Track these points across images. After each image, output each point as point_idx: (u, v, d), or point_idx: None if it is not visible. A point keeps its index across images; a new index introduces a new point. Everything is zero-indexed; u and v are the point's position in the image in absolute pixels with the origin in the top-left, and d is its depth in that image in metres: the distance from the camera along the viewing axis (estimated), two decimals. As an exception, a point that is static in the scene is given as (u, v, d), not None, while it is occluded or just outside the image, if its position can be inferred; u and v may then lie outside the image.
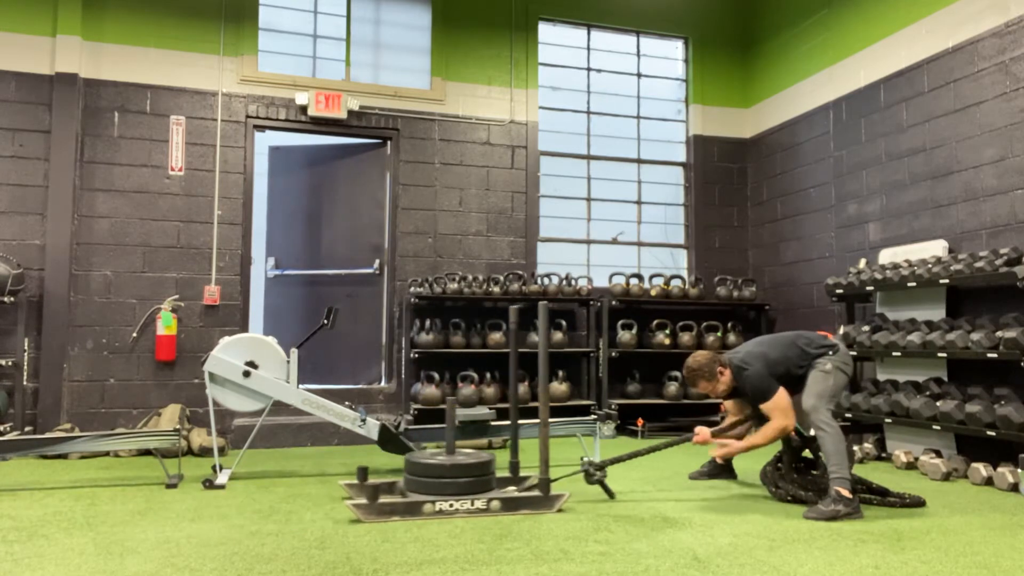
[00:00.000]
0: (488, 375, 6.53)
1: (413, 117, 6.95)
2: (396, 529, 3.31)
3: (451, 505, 3.52)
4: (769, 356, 4.01)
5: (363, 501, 3.47)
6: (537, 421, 5.08)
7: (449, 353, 6.61)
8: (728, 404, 4.39)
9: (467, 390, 6.30)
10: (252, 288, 6.76)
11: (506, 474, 3.99)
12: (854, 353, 5.53)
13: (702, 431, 4.23)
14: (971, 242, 5.29)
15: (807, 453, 4.13)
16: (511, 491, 3.73)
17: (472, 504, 3.55)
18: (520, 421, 5.13)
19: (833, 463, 3.73)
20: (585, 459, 4.16)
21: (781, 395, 3.92)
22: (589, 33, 7.72)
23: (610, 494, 3.99)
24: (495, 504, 3.57)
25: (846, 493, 3.63)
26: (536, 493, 3.67)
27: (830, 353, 4.03)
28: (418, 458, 3.68)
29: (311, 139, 7.23)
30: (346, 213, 7.11)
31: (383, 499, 3.55)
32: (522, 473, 4.10)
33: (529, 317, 6.97)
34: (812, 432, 3.92)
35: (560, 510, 3.66)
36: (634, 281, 7.12)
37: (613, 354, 6.90)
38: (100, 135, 6.19)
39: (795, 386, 4.03)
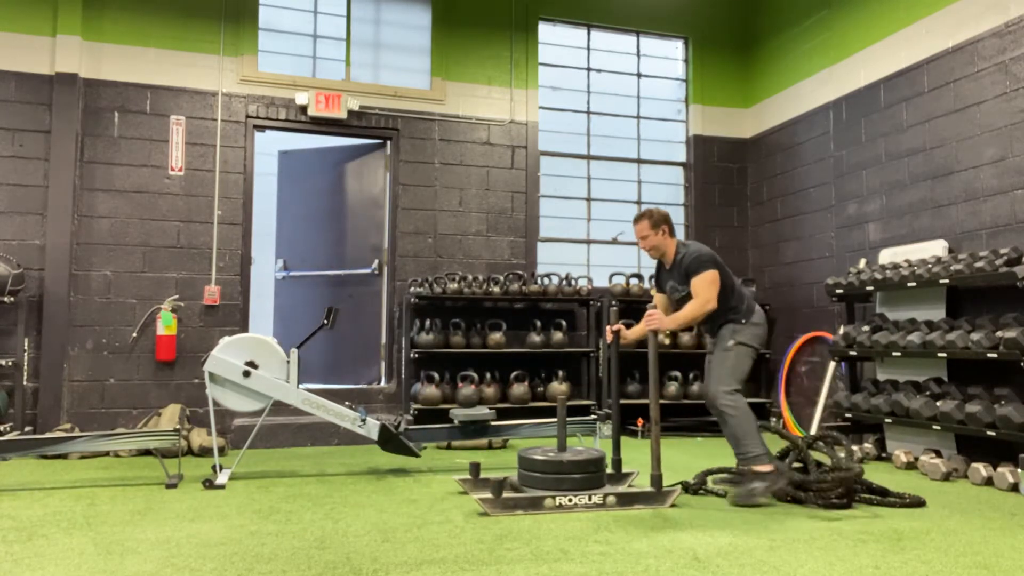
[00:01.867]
0: (488, 375, 6.53)
1: (413, 117, 6.95)
2: (396, 529, 3.31)
3: (570, 500, 3.63)
4: (719, 259, 4.11)
5: (488, 495, 3.61)
6: (539, 421, 5.10)
7: (449, 353, 6.61)
8: (656, 300, 4.37)
9: (467, 390, 6.30)
10: (253, 288, 6.77)
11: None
12: (854, 353, 5.54)
13: (655, 312, 4.04)
14: (971, 242, 5.29)
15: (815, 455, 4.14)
16: (623, 487, 3.85)
17: (590, 499, 3.65)
18: (520, 421, 5.13)
19: (741, 446, 3.88)
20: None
21: (716, 275, 3.98)
22: (589, 33, 7.72)
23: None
24: (611, 499, 3.67)
25: (763, 468, 3.81)
26: (649, 489, 3.75)
27: (742, 321, 4.06)
28: (534, 454, 3.79)
29: (317, 142, 7.28)
30: (349, 214, 7.12)
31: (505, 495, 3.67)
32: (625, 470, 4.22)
33: (529, 317, 6.97)
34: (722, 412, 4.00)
35: (673, 505, 3.75)
36: (634, 281, 7.12)
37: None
38: (100, 135, 6.20)
39: (719, 317, 4.09)
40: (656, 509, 3.69)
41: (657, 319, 3.96)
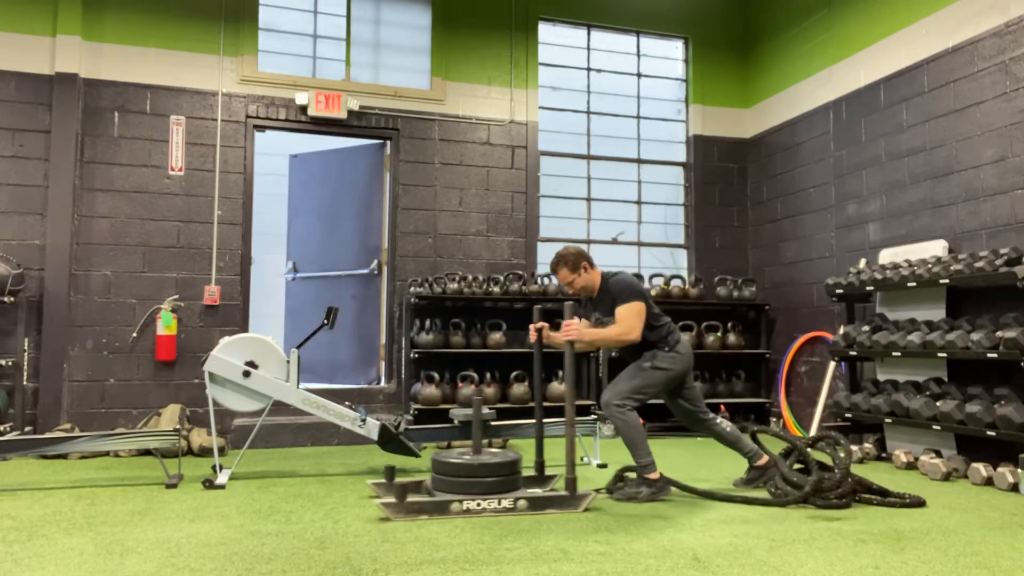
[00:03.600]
0: (488, 375, 6.53)
1: (413, 117, 6.95)
2: (396, 529, 3.31)
3: (478, 504, 3.55)
4: (646, 291, 4.13)
5: (391, 500, 3.50)
6: (533, 421, 5.09)
7: (449, 353, 6.61)
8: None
9: (467, 390, 6.31)
10: (255, 288, 6.78)
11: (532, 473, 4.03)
12: (854, 353, 5.54)
13: (573, 322, 3.92)
14: (971, 242, 5.29)
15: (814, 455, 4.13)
16: (537, 491, 3.76)
17: (499, 503, 3.57)
18: (520, 421, 5.13)
19: (634, 454, 4.00)
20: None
21: (640, 307, 3.99)
22: (589, 33, 7.72)
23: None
24: (522, 503, 3.59)
25: (652, 477, 3.98)
26: (563, 493, 3.68)
27: (665, 349, 4.08)
28: (446, 457, 3.70)
29: (323, 144, 7.31)
30: (353, 215, 7.14)
31: (411, 498, 3.58)
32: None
33: (529, 317, 6.97)
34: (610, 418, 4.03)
35: (587, 509, 3.67)
36: (634, 281, 7.11)
37: (613, 354, 6.89)
38: (100, 135, 6.20)
39: (641, 350, 4.12)
40: (569, 513, 3.60)
41: (575, 329, 3.87)
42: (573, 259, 4.13)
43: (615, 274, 4.16)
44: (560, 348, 3.99)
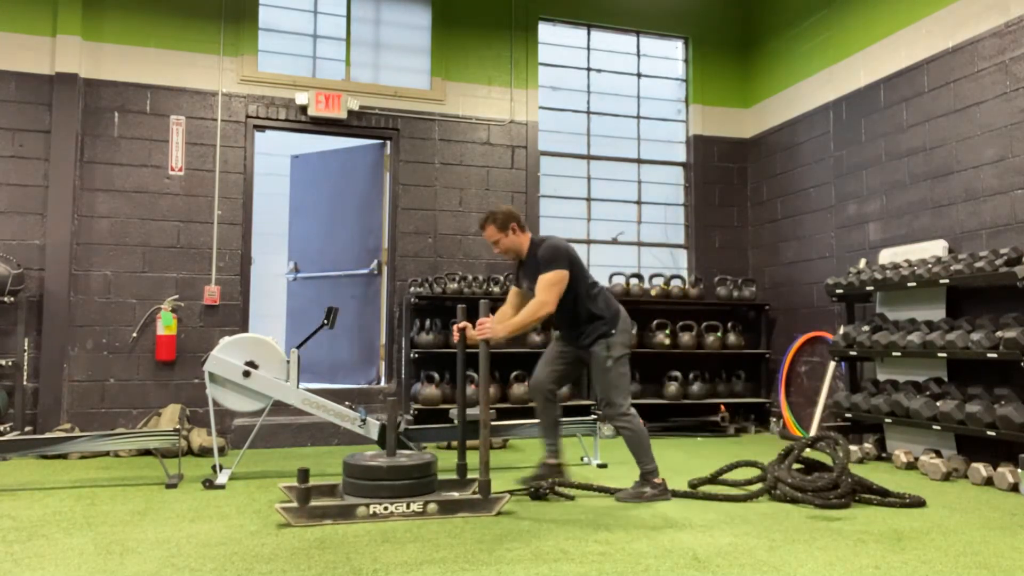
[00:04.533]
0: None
1: (413, 117, 6.95)
2: (396, 529, 3.31)
3: (385, 508, 3.46)
4: (574, 253, 3.97)
5: (293, 504, 3.39)
6: (535, 421, 5.07)
7: (449, 353, 6.60)
8: (511, 296, 4.22)
9: (467, 390, 6.30)
10: (255, 288, 6.79)
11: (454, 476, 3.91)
12: (854, 353, 5.54)
13: (486, 320, 3.77)
14: (971, 242, 5.29)
15: (808, 453, 4.13)
16: (454, 494, 3.67)
17: (408, 507, 3.49)
18: (520, 421, 5.13)
19: (640, 460, 3.97)
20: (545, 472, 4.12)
21: (563, 275, 3.83)
22: (589, 33, 7.72)
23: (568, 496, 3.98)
24: (432, 507, 3.51)
25: (656, 480, 3.96)
26: (475, 496, 3.59)
27: (611, 333, 3.94)
28: (355, 460, 3.61)
29: (323, 144, 7.31)
30: (353, 215, 7.14)
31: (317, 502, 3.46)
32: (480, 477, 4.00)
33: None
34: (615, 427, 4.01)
35: (500, 513, 3.59)
36: (634, 281, 7.12)
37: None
38: (100, 135, 6.20)
39: (564, 315, 3.98)
40: (482, 517, 3.53)
41: (489, 328, 3.71)
42: (503, 218, 3.97)
43: (545, 239, 3.98)
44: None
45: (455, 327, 3.91)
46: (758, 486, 4.17)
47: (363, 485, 3.53)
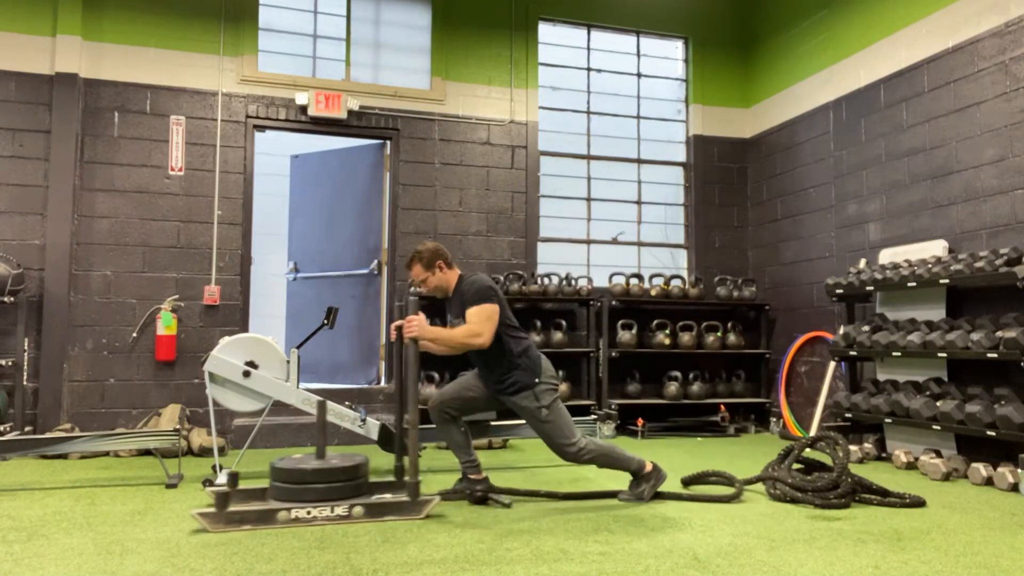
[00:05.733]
0: (488, 375, 6.52)
1: (413, 117, 6.95)
2: (396, 529, 3.31)
3: (308, 512, 3.38)
4: (500, 293, 3.90)
5: (209, 509, 3.31)
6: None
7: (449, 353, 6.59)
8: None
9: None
10: (255, 288, 6.79)
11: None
12: (854, 353, 5.54)
13: (415, 318, 3.70)
14: (971, 242, 5.29)
15: (808, 453, 4.13)
16: (384, 496, 3.61)
17: (332, 511, 3.41)
18: (519, 421, 5.12)
19: (624, 467, 3.92)
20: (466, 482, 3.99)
21: (496, 309, 3.75)
22: (589, 33, 7.72)
23: (505, 504, 3.84)
24: (357, 510, 3.44)
25: (647, 471, 3.93)
26: (403, 498, 3.53)
27: (535, 382, 3.80)
28: (281, 463, 3.52)
29: (323, 144, 7.31)
30: (353, 215, 7.14)
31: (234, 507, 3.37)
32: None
33: (530, 317, 6.97)
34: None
35: (428, 516, 3.53)
36: (634, 281, 7.12)
37: (613, 354, 6.90)
38: (100, 135, 6.19)
39: (483, 355, 3.86)
40: (410, 520, 3.47)
41: (417, 327, 3.65)
42: (428, 256, 3.89)
43: (471, 276, 3.94)
44: (424, 348, 3.79)
45: (393, 326, 3.82)
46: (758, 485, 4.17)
47: (289, 489, 3.45)
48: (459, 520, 3.49)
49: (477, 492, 3.87)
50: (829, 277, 6.44)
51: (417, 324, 3.65)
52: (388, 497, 3.58)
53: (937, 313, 5.26)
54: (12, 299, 5.58)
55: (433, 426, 4.98)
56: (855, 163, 6.40)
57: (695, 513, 3.66)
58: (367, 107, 6.80)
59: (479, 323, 3.72)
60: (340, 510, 3.42)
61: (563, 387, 6.60)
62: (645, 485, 3.93)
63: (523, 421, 5.08)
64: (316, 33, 6.93)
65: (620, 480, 4.25)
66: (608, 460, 3.90)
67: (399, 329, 3.76)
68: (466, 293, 3.82)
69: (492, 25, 7.26)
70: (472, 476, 3.95)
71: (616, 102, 7.77)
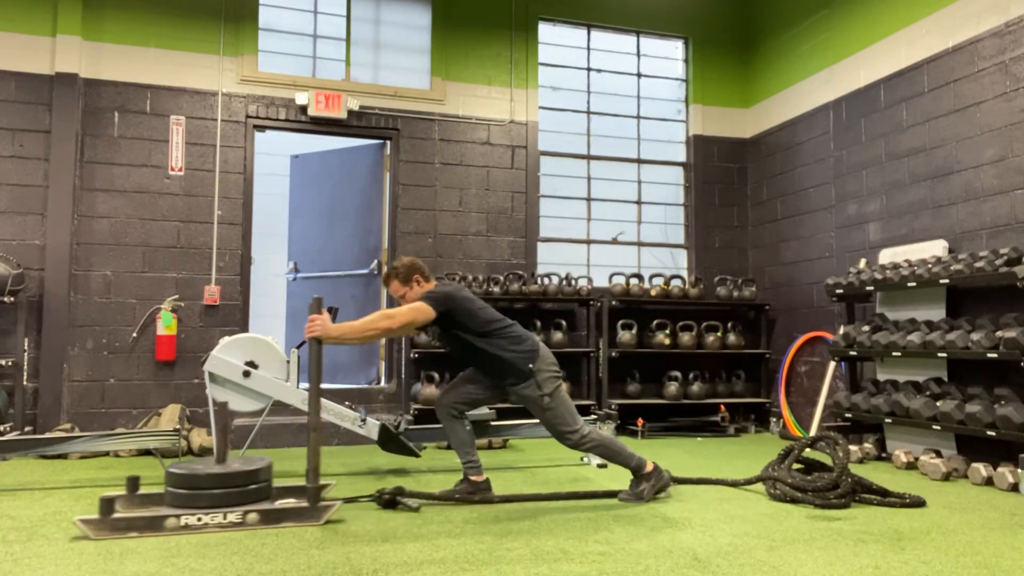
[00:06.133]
0: (488, 375, 6.52)
1: (413, 117, 6.95)
2: (396, 529, 3.31)
3: (199, 519, 3.27)
4: (475, 300, 3.90)
5: (93, 516, 3.19)
6: (535, 421, 5.07)
7: (449, 353, 6.59)
8: None
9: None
10: (255, 288, 6.79)
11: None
12: (854, 353, 5.54)
13: (317, 317, 3.61)
14: (971, 242, 5.29)
15: (808, 453, 4.13)
16: (287, 501, 3.51)
17: (224, 518, 3.30)
18: (520, 421, 5.13)
19: (623, 462, 3.92)
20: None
21: (426, 309, 3.70)
22: (589, 33, 7.72)
23: (413, 508, 3.75)
24: (252, 517, 3.33)
25: (647, 470, 3.94)
26: (302, 504, 3.43)
27: (535, 371, 3.82)
28: (177, 468, 3.41)
29: (323, 144, 7.31)
30: (353, 215, 7.14)
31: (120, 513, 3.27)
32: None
33: (530, 317, 6.97)
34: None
35: (328, 521, 3.44)
36: (634, 281, 7.12)
37: (613, 354, 6.90)
38: (100, 135, 6.19)
39: (464, 356, 3.90)
40: (309, 527, 3.37)
41: (319, 327, 3.57)
42: (405, 271, 3.91)
43: (445, 284, 3.95)
44: (333, 343, 3.71)
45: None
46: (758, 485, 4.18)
47: (182, 494, 3.35)
48: (458, 521, 3.49)
49: (385, 496, 3.76)
50: (829, 277, 6.44)
51: (320, 324, 3.57)
52: (287, 503, 3.47)
53: (937, 313, 5.26)
54: (12, 299, 5.58)
55: (433, 427, 5.00)
56: (855, 163, 6.40)
57: (695, 513, 3.66)
58: (367, 107, 6.80)
59: (404, 309, 3.72)
60: (233, 516, 3.32)
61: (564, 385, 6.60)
62: (645, 484, 3.93)
63: (523, 421, 5.10)
64: (316, 33, 6.93)
65: (620, 481, 4.25)
66: (609, 452, 3.92)
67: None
68: (427, 295, 3.81)
69: (492, 25, 7.26)
70: (473, 478, 3.93)
71: (616, 102, 7.77)
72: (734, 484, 4.24)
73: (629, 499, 3.92)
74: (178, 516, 3.27)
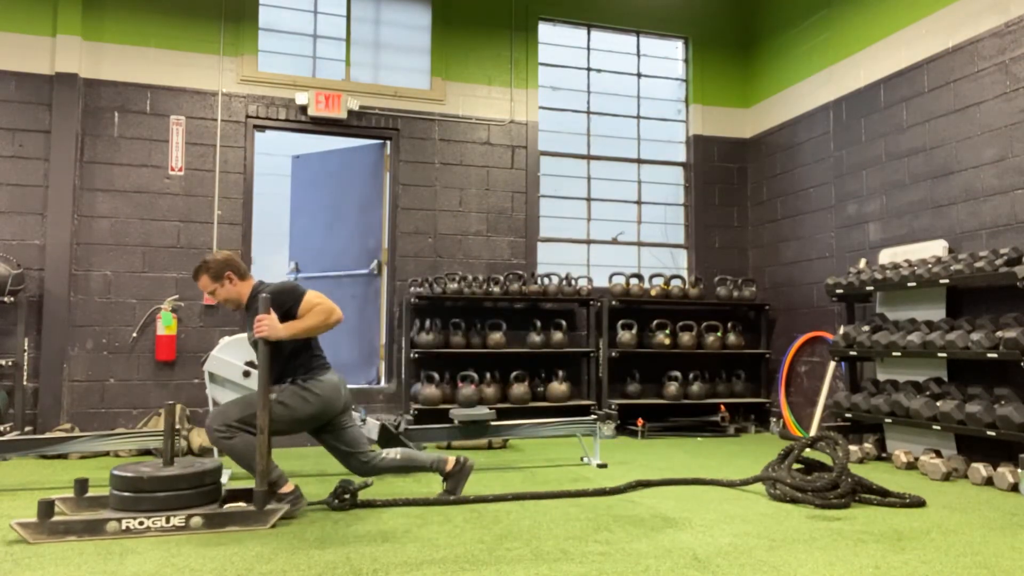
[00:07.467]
0: (488, 375, 6.53)
1: (413, 117, 6.95)
2: (396, 529, 3.31)
3: (141, 523, 3.20)
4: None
5: (30, 520, 3.11)
6: (539, 421, 5.08)
7: (449, 353, 6.61)
8: None
9: (467, 390, 6.30)
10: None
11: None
12: (854, 353, 5.53)
13: (265, 317, 3.49)
14: (971, 242, 5.29)
15: (808, 453, 4.13)
16: (238, 505, 3.44)
17: (167, 522, 3.23)
18: (519, 421, 5.13)
19: (251, 471, 3.48)
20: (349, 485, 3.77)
21: (313, 292, 3.59)
22: (589, 33, 7.72)
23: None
24: (196, 521, 3.26)
25: (286, 491, 3.55)
26: (248, 508, 3.36)
27: (299, 383, 3.63)
28: (121, 471, 3.31)
29: (324, 144, 7.31)
30: (353, 215, 7.14)
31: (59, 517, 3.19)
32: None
33: (529, 317, 6.97)
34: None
35: (274, 525, 3.35)
36: (634, 281, 7.12)
37: (613, 354, 6.90)
38: (100, 135, 6.19)
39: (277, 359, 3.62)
40: (255, 530, 3.29)
41: (267, 327, 3.46)
42: (217, 267, 3.70)
43: (268, 283, 3.74)
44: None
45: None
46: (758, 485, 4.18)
47: (126, 497, 3.27)
48: (458, 521, 3.49)
49: (335, 502, 3.69)
50: (829, 277, 6.44)
51: (267, 324, 3.46)
52: (233, 507, 3.39)
53: (937, 313, 5.26)
54: (12, 299, 5.58)
55: (432, 427, 5.00)
56: (855, 163, 6.40)
57: (695, 513, 3.66)
58: (367, 107, 6.80)
59: (322, 304, 3.57)
60: (176, 520, 3.25)
61: (563, 387, 6.60)
62: (286, 504, 3.52)
63: (522, 421, 5.09)
64: (316, 33, 6.93)
65: (621, 481, 4.23)
66: (244, 463, 3.52)
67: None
68: (272, 296, 3.55)
69: (492, 25, 7.26)
70: (281, 491, 3.58)
71: (616, 102, 7.77)
72: (729, 484, 4.25)
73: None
74: (119, 520, 3.18)
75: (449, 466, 3.92)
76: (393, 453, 3.87)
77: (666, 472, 4.84)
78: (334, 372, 3.81)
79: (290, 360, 3.67)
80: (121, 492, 3.28)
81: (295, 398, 3.61)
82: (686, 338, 7.01)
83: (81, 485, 3.43)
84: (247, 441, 3.52)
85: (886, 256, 5.88)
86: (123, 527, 3.19)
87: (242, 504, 3.45)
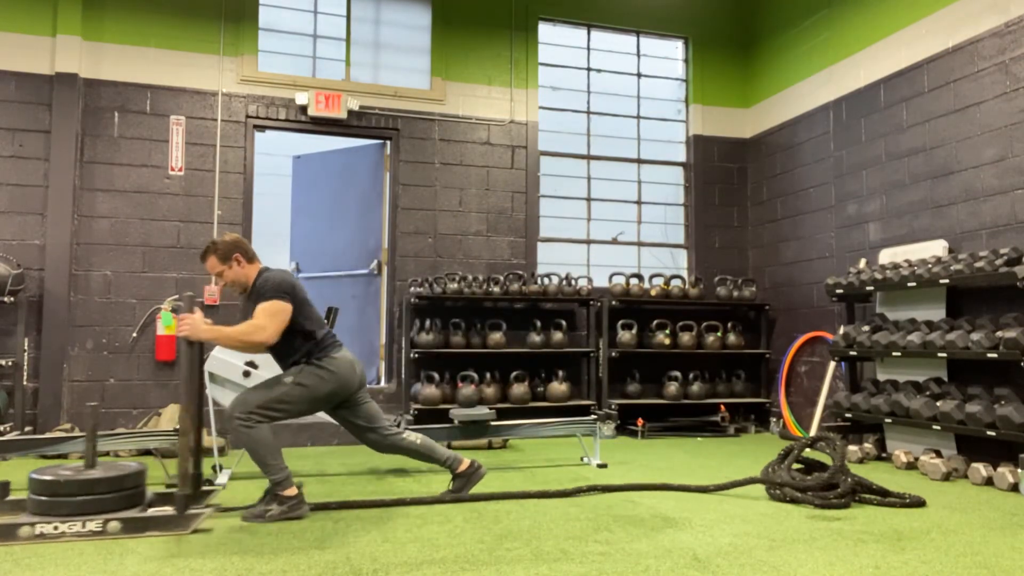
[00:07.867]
0: (488, 375, 6.53)
1: (413, 117, 6.95)
2: (396, 529, 3.31)
3: (56, 528, 3.12)
4: (300, 291, 3.70)
5: None
6: (539, 421, 5.08)
7: (449, 353, 6.61)
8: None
9: (467, 390, 6.30)
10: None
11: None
12: (854, 353, 5.53)
13: (188, 316, 3.46)
14: (971, 242, 5.29)
15: (808, 453, 4.13)
16: (167, 508, 3.36)
17: (83, 526, 3.14)
18: (519, 421, 5.13)
19: (265, 472, 3.51)
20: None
21: (279, 306, 3.52)
22: (589, 33, 7.72)
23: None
24: (113, 525, 3.17)
25: (287, 493, 3.52)
26: (169, 512, 3.29)
27: (314, 362, 3.62)
28: (38, 474, 3.24)
29: (324, 145, 7.30)
30: (353, 215, 7.14)
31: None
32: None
33: (529, 317, 6.97)
34: (230, 431, 3.50)
35: (196, 530, 3.27)
36: (634, 281, 7.12)
37: (613, 354, 6.90)
38: (100, 135, 6.19)
39: (278, 352, 3.68)
40: (177, 535, 3.20)
41: (188, 326, 3.39)
42: (224, 248, 3.67)
43: (270, 271, 3.74)
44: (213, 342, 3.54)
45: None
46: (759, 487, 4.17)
47: (43, 501, 3.19)
48: (458, 520, 3.49)
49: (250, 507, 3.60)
50: (829, 277, 6.43)
51: (189, 323, 3.40)
52: (154, 511, 3.32)
53: (937, 313, 5.26)
54: (12, 299, 5.58)
55: (432, 427, 5.00)
56: (855, 163, 6.40)
57: (695, 513, 3.66)
58: (367, 107, 6.80)
59: (264, 317, 3.51)
60: (93, 525, 3.16)
61: (563, 387, 6.60)
62: (276, 506, 3.51)
63: (522, 421, 5.09)
64: (316, 33, 6.93)
65: (620, 480, 4.23)
66: (257, 457, 3.51)
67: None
68: (260, 288, 3.61)
69: (492, 25, 7.26)
70: (282, 493, 3.56)
71: (616, 102, 7.77)
72: (702, 490, 4.14)
73: (248, 517, 3.50)
74: (32, 525, 3.11)
75: (462, 467, 3.95)
76: (413, 436, 3.90)
77: (666, 472, 4.84)
78: (347, 350, 3.81)
79: (301, 342, 3.65)
80: (38, 496, 3.20)
81: (312, 377, 3.61)
82: (686, 338, 7.01)
83: (3, 488, 3.34)
84: (264, 433, 3.50)
85: (886, 256, 5.88)
86: (36, 532, 3.11)
87: (165, 508, 3.36)
